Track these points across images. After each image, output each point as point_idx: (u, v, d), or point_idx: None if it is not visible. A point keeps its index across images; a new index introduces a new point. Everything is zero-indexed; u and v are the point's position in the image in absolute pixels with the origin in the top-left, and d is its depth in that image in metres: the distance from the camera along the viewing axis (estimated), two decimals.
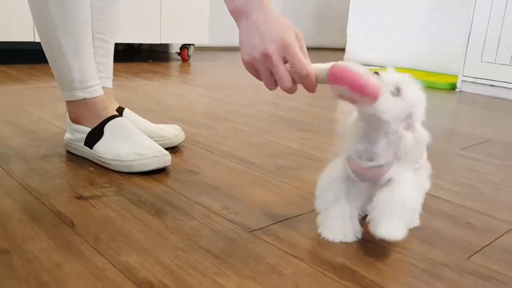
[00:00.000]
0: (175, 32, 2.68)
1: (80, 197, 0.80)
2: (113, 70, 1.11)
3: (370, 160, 0.67)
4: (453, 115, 1.91)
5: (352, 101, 0.62)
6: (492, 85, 2.33)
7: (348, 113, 0.70)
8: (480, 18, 2.32)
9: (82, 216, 0.74)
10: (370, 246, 0.70)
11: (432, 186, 0.77)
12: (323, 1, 4.55)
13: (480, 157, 1.22)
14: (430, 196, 0.90)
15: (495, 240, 0.75)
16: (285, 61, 0.66)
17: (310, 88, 0.67)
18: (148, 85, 1.97)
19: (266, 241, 0.70)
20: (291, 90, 0.67)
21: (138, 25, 2.52)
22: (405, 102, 0.64)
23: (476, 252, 0.71)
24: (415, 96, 0.65)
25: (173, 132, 1.07)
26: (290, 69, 0.66)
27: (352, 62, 0.62)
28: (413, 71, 2.87)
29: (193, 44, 2.85)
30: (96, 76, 0.97)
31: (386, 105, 0.62)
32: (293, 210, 0.81)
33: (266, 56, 0.65)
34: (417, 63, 2.98)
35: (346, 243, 0.70)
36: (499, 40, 2.26)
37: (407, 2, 3.06)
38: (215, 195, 0.85)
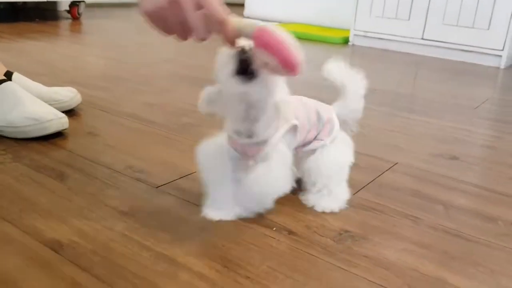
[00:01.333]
0: None
1: None
2: None
3: (250, 137, 0.65)
4: None
5: (274, 70, 0.57)
6: (380, 38, 2.50)
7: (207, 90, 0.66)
8: None
9: None
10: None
11: None
12: None
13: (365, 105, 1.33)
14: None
15: (377, 177, 0.85)
16: (197, 7, 0.55)
17: (229, 37, 0.57)
18: (36, 46, 1.84)
19: (172, 194, 0.72)
20: (205, 39, 0.58)
21: None
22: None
23: (361, 189, 0.80)
24: None
25: (69, 95, 1.04)
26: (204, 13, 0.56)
27: (276, 27, 0.55)
28: (310, 26, 2.98)
29: (83, 1, 2.69)
30: None
31: (267, 85, 0.60)
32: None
33: (175, 3, 0.55)
34: (314, 18, 3.08)
35: None
36: None
37: None
38: (117, 155, 0.86)
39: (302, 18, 3.11)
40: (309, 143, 0.73)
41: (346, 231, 0.66)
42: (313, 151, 0.73)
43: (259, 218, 0.67)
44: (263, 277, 0.54)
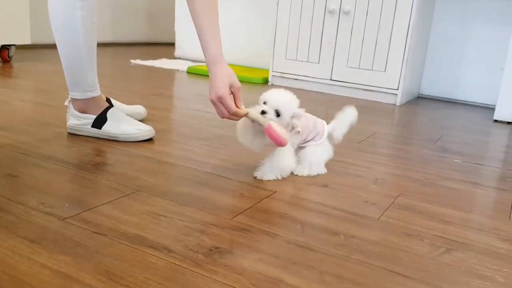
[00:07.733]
0: None
1: None
2: None
3: None
4: None
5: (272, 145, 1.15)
6: (295, 79, 2.76)
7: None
8: (281, 24, 2.73)
9: None
10: (159, 219, 0.92)
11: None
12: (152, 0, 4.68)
13: None
14: (216, 176, 1.16)
15: (256, 204, 1.03)
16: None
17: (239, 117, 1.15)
18: None
19: (75, 225, 0.87)
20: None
21: None
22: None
23: (239, 214, 0.98)
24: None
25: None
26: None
27: (276, 125, 1.11)
28: (234, 66, 3.21)
29: (13, 44, 2.78)
30: (97, 79, 1.41)
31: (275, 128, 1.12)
32: (102, 199, 0.99)
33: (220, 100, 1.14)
34: (237, 59, 3.32)
35: (142, 225, 0.91)
36: (298, 42, 2.69)
37: (225, 5, 3.37)
38: (33, 193, 0.99)
39: (227, 59, 3.34)
40: (306, 142, 1.25)
41: (216, 248, 0.83)
42: (306, 147, 1.26)
43: (141, 239, 0.83)
44: (139, 285, 0.70)
